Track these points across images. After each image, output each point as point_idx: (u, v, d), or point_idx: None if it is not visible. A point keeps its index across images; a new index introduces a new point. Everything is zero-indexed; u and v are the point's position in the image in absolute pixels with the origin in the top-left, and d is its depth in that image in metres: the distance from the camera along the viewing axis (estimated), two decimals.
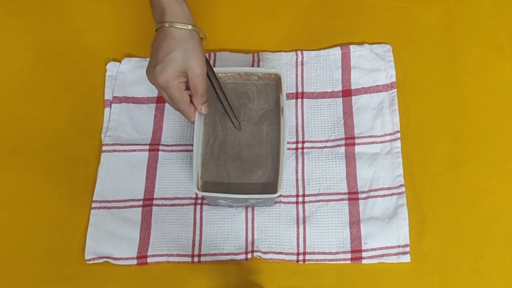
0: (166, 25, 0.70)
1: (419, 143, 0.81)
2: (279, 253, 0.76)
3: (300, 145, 0.82)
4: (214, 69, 0.76)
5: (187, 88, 0.73)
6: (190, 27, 0.71)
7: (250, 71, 0.78)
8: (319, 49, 0.88)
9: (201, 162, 0.75)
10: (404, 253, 0.75)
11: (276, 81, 0.78)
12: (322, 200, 0.78)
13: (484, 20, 0.89)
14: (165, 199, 0.79)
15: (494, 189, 0.78)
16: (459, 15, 0.90)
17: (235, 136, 0.77)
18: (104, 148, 0.82)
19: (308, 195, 0.79)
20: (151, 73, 0.71)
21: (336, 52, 0.88)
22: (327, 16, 0.91)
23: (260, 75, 0.79)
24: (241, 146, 0.76)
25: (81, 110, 0.85)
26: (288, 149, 0.81)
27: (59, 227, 0.78)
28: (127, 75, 0.87)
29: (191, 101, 0.74)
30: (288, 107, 0.84)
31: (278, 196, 0.75)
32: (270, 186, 0.74)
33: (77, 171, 0.82)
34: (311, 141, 0.82)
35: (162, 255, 0.76)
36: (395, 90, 0.84)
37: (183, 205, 0.79)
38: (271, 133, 0.77)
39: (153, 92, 0.86)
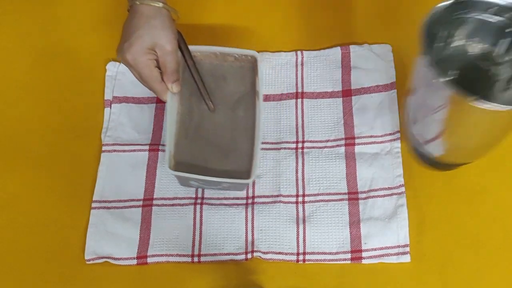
0: (137, 3, 0.71)
1: None
2: (279, 253, 0.76)
3: (300, 145, 0.82)
4: (190, 47, 0.75)
5: (158, 67, 0.73)
6: (160, 4, 0.71)
7: (226, 51, 0.78)
8: (319, 49, 0.88)
9: (175, 142, 0.75)
10: (404, 253, 0.75)
11: (252, 64, 0.78)
12: (322, 200, 0.78)
13: None
14: (165, 199, 0.79)
15: (494, 189, 0.78)
16: None
17: (210, 119, 0.77)
18: (104, 148, 0.82)
19: (308, 195, 0.79)
20: (120, 50, 0.71)
21: (336, 52, 0.88)
22: (327, 16, 0.91)
23: (237, 56, 0.78)
24: (216, 130, 0.76)
25: (81, 110, 0.85)
26: (288, 149, 0.81)
27: (59, 227, 0.78)
28: (127, 75, 0.86)
29: (163, 80, 0.73)
30: (288, 107, 0.84)
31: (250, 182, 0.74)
32: (244, 171, 0.73)
33: (77, 171, 0.82)
34: (311, 141, 0.82)
35: (162, 255, 0.76)
36: (395, 90, 0.84)
37: (183, 205, 0.79)
38: (246, 118, 0.76)
39: (153, 92, 0.86)
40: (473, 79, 0.68)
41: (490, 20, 0.66)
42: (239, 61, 0.78)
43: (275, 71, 0.87)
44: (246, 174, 0.73)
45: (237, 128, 0.76)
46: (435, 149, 0.73)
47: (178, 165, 0.74)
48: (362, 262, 0.75)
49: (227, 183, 0.73)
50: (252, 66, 0.78)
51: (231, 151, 0.75)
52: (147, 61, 0.71)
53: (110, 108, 0.85)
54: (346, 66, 0.87)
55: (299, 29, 0.91)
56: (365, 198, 0.78)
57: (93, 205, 0.79)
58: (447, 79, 0.60)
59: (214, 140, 0.75)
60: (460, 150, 0.72)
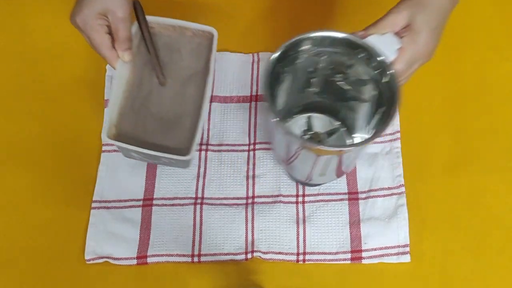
0: None
1: (419, 143, 0.81)
2: (279, 253, 0.76)
3: None
4: (148, 18, 0.75)
5: (111, 33, 0.72)
6: None
7: (183, 24, 0.77)
8: None
9: (119, 111, 0.74)
10: (404, 253, 0.75)
11: (210, 41, 0.77)
12: (322, 200, 0.78)
13: (484, 20, 0.89)
14: (165, 199, 0.79)
15: (494, 189, 0.78)
16: (459, 15, 0.89)
17: (159, 93, 0.76)
18: (104, 148, 0.82)
19: (308, 195, 0.79)
20: (71, 14, 0.71)
21: None
22: (327, 16, 0.91)
23: (194, 31, 0.77)
24: (164, 105, 0.76)
25: (81, 110, 0.85)
26: None
27: (59, 227, 0.78)
28: None
29: (114, 47, 0.73)
30: None
31: (189, 159, 0.72)
32: (184, 148, 0.73)
33: (77, 171, 0.82)
34: None
35: (162, 255, 0.76)
36: None
37: (183, 205, 0.79)
38: (195, 96, 0.76)
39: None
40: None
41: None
42: (197, 36, 0.77)
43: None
44: (186, 151, 0.72)
45: (185, 104, 0.76)
46: (298, 176, 0.77)
47: (120, 136, 0.73)
48: (362, 262, 0.75)
49: (166, 158, 0.72)
50: (210, 44, 0.77)
51: (174, 127, 0.75)
52: (97, 26, 0.70)
53: None
54: None
55: (299, 29, 0.90)
56: (365, 198, 0.78)
57: (93, 205, 0.79)
58: (276, 119, 0.63)
59: (159, 115, 0.75)
60: (320, 177, 0.75)
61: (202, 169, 0.81)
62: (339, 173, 0.74)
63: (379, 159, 0.80)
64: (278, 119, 0.63)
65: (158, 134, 0.74)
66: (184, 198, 0.79)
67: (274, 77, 0.66)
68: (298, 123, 0.79)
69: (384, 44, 0.66)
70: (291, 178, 0.79)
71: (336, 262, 0.75)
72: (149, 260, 0.76)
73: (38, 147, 0.83)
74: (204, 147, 0.82)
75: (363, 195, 0.78)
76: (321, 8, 0.91)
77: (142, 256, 0.76)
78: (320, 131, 0.78)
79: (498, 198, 0.77)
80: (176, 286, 0.75)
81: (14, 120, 0.85)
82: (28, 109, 0.86)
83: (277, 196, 0.79)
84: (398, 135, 0.81)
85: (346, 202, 0.78)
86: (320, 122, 0.79)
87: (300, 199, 0.79)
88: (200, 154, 0.82)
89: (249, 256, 0.76)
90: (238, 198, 0.79)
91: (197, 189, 0.80)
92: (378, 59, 0.65)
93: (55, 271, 0.76)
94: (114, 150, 0.82)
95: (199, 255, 0.76)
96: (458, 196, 0.78)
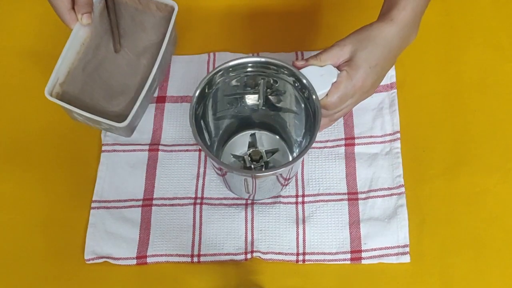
0: None
1: (419, 143, 0.81)
2: (279, 253, 0.76)
3: None
4: None
5: None
6: None
7: None
8: (319, 49, 0.88)
9: (69, 71, 0.76)
10: (404, 253, 0.75)
11: (171, 14, 0.78)
12: (321, 201, 0.78)
13: (484, 20, 0.89)
14: (165, 199, 0.79)
15: (494, 189, 0.78)
16: (459, 15, 0.90)
17: (114, 62, 0.78)
18: (104, 148, 0.82)
19: (308, 195, 0.79)
20: None
21: None
22: (327, 16, 0.91)
23: (157, 4, 0.79)
24: (115, 73, 0.77)
25: None
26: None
27: (59, 227, 0.78)
28: None
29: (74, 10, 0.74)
30: None
31: (126, 126, 0.73)
32: (125, 115, 0.73)
33: (77, 171, 0.82)
34: None
35: (161, 255, 0.76)
36: (395, 90, 0.84)
37: (182, 205, 0.79)
38: (147, 67, 0.77)
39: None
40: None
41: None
42: (160, 10, 0.79)
43: None
44: (125, 118, 0.73)
45: (135, 75, 0.77)
46: (244, 196, 0.78)
47: (65, 94, 0.75)
48: (362, 263, 0.75)
49: (106, 124, 0.73)
50: (171, 18, 0.78)
51: (119, 95, 0.76)
52: None
53: None
54: None
55: (299, 29, 0.91)
56: (365, 199, 0.78)
57: (93, 205, 0.79)
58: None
59: (109, 81, 0.76)
60: (261, 193, 0.77)
61: (202, 169, 0.81)
62: (279, 187, 0.76)
63: (378, 160, 0.80)
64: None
65: (103, 100, 0.75)
66: (184, 198, 0.79)
67: (202, 103, 0.70)
68: (244, 140, 0.81)
69: (321, 75, 0.68)
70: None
71: (336, 263, 0.75)
72: (148, 260, 0.76)
73: (38, 147, 0.83)
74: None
75: (363, 196, 0.78)
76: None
77: (141, 256, 0.76)
78: (262, 148, 0.80)
79: (498, 198, 0.77)
80: (175, 286, 0.75)
81: (14, 120, 0.85)
82: (28, 109, 0.86)
83: (277, 196, 0.79)
84: (398, 135, 0.81)
85: (346, 202, 0.78)
86: (266, 137, 0.81)
87: (299, 199, 0.79)
88: (200, 154, 0.82)
89: (249, 256, 0.76)
90: (238, 198, 0.79)
91: (196, 189, 0.80)
92: (304, 81, 0.68)
93: (55, 271, 0.76)
94: (114, 150, 0.82)
95: (199, 255, 0.76)
96: (458, 196, 0.78)
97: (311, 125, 0.69)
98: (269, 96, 0.75)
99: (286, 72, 0.70)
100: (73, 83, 0.75)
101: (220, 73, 0.70)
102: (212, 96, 0.72)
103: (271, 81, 0.73)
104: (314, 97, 0.68)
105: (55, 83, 0.73)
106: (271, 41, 0.89)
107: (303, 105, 0.72)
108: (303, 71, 0.69)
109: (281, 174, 0.70)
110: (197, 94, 0.68)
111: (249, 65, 0.70)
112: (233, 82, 0.73)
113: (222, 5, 0.93)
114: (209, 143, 0.75)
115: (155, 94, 0.85)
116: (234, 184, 0.75)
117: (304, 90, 0.69)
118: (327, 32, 0.90)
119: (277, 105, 0.76)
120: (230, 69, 0.70)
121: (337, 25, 0.90)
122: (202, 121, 0.72)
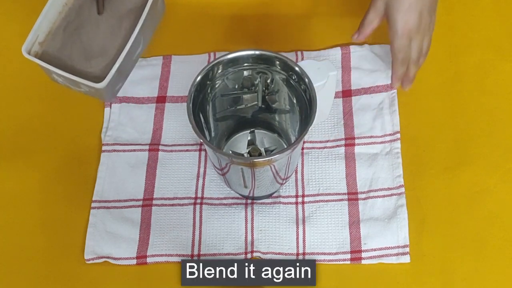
0: None
1: (419, 143, 0.81)
2: (279, 253, 0.76)
3: None
4: None
5: None
6: None
7: None
8: (319, 50, 0.88)
9: (49, 30, 0.76)
10: (404, 253, 0.74)
11: None
12: (321, 201, 0.78)
13: (484, 20, 0.89)
14: (165, 199, 0.79)
15: (494, 189, 0.78)
16: (459, 15, 0.90)
17: (95, 24, 0.78)
18: (104, 148, 0.82)
19: (308, 196, 0.79)
20: None
21: (337, 52, 0.88)
22: (327, 16, 0.91)
23: None
24: (96, 35, 0.77)
25: (81, 110, 0.85)
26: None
27: (59, 227, 0.78)
28: None
29: None
30: None
31: (105, 87, 0.73)
32: (103, 77, 0.73)
33: (77, 171, 0.82)
34: (310, 142, 0.82)
35: (161, 255, 0.76)
36: (395, 90, 0.84)
37: (182, 205, 0.79)
38: (128, 30, 0.77)
39: (153, 92, 0.86)
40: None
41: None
42: None
43: None
44: (103, 79, 0.73)
45: (116, 37, 0.77)
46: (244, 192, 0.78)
47: (44, 54, 0.75)
48: (362, 263, 0.75)
49: (84, 85, 0.73)
50: None
51: (98, 56, 0.76)
52: None
53: (110, 108, 0.85)
54: (346, 67, 0.87)
55: (299, 29, 0.91)
56: (364, 199, 0.78)
57: (93, 205, 0.79)
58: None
59: (89, 42, 0.76)
60: (260, 189, 0.77)
61: (202, 169, 0.81)
62: (277, 182, 0.76)
63: (378, 160, 0.80)
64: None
65: (83, 61, 0.75)
66: (184, 198, 0.79)
67: (201, 100, 0.71)
68: (243, 139, 0.81)
69: (318, 68, 0.72)
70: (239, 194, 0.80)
71: (336, 263, 0.75)
72: (148, 260, 0.76)
73: (38, 147, 0.83)
74: (204, 147, 0.82)
75: (363, 196, 0.78)
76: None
77: (141, 256, 0.76)
78: (261, 146, 0.80)
79: (498, 198, 0.77)
80: (175, 286, 0.75)
81: (14, 120, 0.85)
82: (28, 109, 0.86)
83: (277, 196, 0.79)
84: (398, 135, 0.81)
85: (346, 202, 0.78)
86: (265, 136, 0.81)
87: (299, 199, 0.79)
88: (200, 154, 0.82)
89: (249, 256, 0.75)
90: (238, 198, 0.79)
91: (196, 189, 0.80)
92: (296, 68, 0.70)
93: (55, 271, 0.76)
94: (114, 150, 0.82)
95: (199, 255, 0.76)
96: (458, 196, 0.78)
97: (307, 116, 0.69)
98: (267, 96, 0.75)
99: (281, 64, 0.71)
100: (53, 42, 0.76)
101: (219, 66, 0.70)
102: (211, 98, 0.73)
103: (268, 80, 0.73)
104: (307, 80, 0.69)
105: (34, 41, 0.73)
106: (271, 41, 0.89)
107: (299, 103, 0.72)
108: (300, 64, 0.70)
109: (279, 168, 0.70)
110: (197, 80, 0.69)
111: (246, 58, 0.71)
112: (231, 82, 0.73)
113: (222, 5, 0.93)
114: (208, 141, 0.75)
115: (155, 94, 0.86)
116: (231, 177, 0.74)
117: (301, 83, 0.70)
118: (327, 32, 0.90)
119: (274, 105, 0.76)
120: (229, 63, 0.71)
121: (337, 25, 0.90)
122: (202, 120, 0.72)
